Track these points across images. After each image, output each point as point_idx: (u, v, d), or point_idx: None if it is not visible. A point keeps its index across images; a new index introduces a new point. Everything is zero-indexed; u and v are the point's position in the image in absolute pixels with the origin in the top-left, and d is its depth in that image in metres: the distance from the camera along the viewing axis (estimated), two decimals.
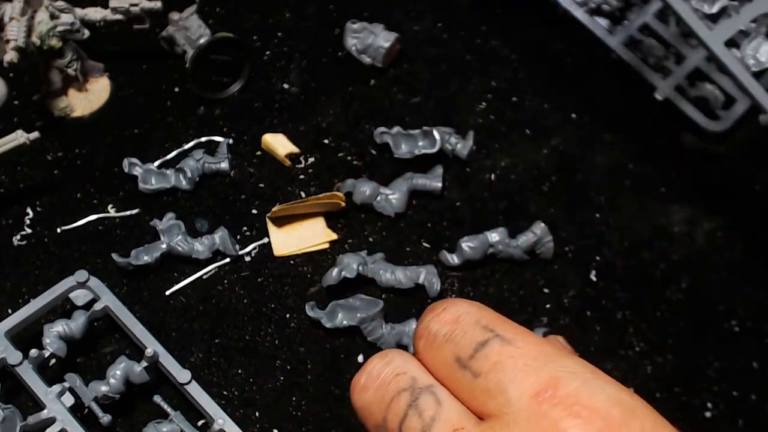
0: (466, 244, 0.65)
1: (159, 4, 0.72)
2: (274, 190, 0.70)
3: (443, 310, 0.33)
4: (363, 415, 0.33)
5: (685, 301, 0.66)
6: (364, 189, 0.68)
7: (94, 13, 0.71)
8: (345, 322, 0.61)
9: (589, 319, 0.64)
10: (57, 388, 0.55)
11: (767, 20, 0.61)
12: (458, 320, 0.32)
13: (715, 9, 0.59)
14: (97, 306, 0.59)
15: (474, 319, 0.32)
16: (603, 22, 0.79)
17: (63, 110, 0.72)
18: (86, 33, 0.70)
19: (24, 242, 0.65)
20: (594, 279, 0.67)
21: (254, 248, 0.66)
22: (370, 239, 0.68)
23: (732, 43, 0.61)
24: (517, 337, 0.31)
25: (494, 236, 0.65)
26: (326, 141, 0.73)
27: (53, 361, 0.58)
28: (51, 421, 0.54)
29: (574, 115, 0.76)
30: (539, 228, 0.65)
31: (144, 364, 0.57)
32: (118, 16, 0.72)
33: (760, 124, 0.64)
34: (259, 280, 0.65)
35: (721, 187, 0.73)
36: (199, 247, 0.65)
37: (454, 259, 0.66)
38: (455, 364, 0.31)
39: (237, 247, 0.66)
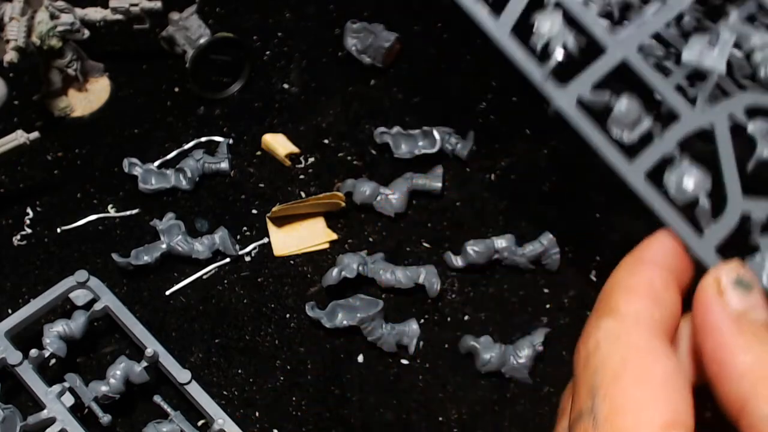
0: (472, 248, 0.65)
1: (159, 4, 0.72)
2: (274, 190, 0.70)
3: None
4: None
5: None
6: (364, 189, 0.68)
7: (94, 13, 0.71)
8: (345, 322, 0.61)
9: None
10: (57, 388, 0.55)
11: (695, 143, 0.57)
12: None
13: (635, 136, 0.53)
14: (97, 306, 0.59)
15: None
16: (603, 22, 0.79)
17: (63, 110, 0.72)
18: (86, 33, 0.70)
19: (24, 242, 0.65)
20: (594, 279, 0.67)
21: (254, 248, 0.66)
22: (370, 239, 0.68)
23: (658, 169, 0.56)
24: None
25: (501, 242, 0.65)
26: (326, 141, 0.73)
27: (53, 361, 0.58)
28: (51, 421, 0.54)
29: None
30: (547, 239, 0.65)
31: (144, 364, 0.57)
32: (118, 16, 0.72)
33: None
34: (259, 280, 0.65)
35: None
36: (199, 247, 0.65)
37: (457, 261, 0.65)
38: None
39: (237, 247, 0.66)
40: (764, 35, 0.57)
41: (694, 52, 0.55)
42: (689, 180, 0.51)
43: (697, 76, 0.67)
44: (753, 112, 0.55)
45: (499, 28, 0.52)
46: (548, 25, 0.52)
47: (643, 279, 0.45)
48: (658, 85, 0.53)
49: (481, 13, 0.52)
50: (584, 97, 0.51)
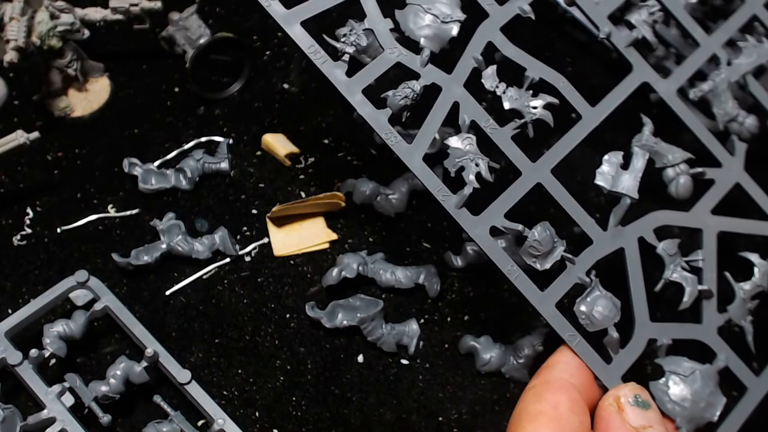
0: (472, 248, 0.65)
1: (159, 4, 0.72)
2: (274, 190, 0.70)
3: None
4: None
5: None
6: (364, 189, 0.68)
7: (94, 13, 0.71)
8: (345, 322, 0.61)
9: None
10: (57, 388, 0.55)
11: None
12: None
13: (548, 264, 0.53)
14: (97, 306, 0.59)
15: None
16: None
17: (63, 110, 0.72)
18: (86, 33, 0.70)
19: (24, 242, 0.65)
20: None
21: (254, 248, 0.66)
22: (370, 239, 0.68)
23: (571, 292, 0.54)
24: None
25: (501, 242, 0.65)
26: (326, 141, 0.73)
27: (53, 361, 0.58)
28: (51, 421, 0.54)
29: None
30: None
31: (144, 364, 0.57)
32: (118, 16, 0.72)
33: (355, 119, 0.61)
34: (259, 280, 0.65)
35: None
36: (199, 247, 0.65)
37: (458, 261, 0.66)
38: None
39: (237, 247, 0.66)
40: (675, 151, 0.58)
41: (607, 177, 0.55)
42: (599, 313, 0.52)
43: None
44: (662, 235, 0.56)
45: (411, 155, 0.51)
46: (462, 149, 0.52)
47: (548, 405, 0.46)
48: (573, 211, 0.54)
49: (392, 137, 0.52)
50: (498, 226, 0.52)
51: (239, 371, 0.61)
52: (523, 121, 0.55)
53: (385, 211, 0.68)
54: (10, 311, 0.59)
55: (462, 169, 0.52)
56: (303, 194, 0.70)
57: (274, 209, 0.66)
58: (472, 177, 0.51)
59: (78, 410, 0.56)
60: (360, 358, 0.62)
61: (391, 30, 0.54)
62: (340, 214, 0.68)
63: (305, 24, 0.52)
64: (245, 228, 0.68)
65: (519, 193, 0.53)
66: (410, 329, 0.62)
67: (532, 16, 0.57)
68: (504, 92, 0.55)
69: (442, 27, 0.54)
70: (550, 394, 0.46)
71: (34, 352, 0.56)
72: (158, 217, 0.66)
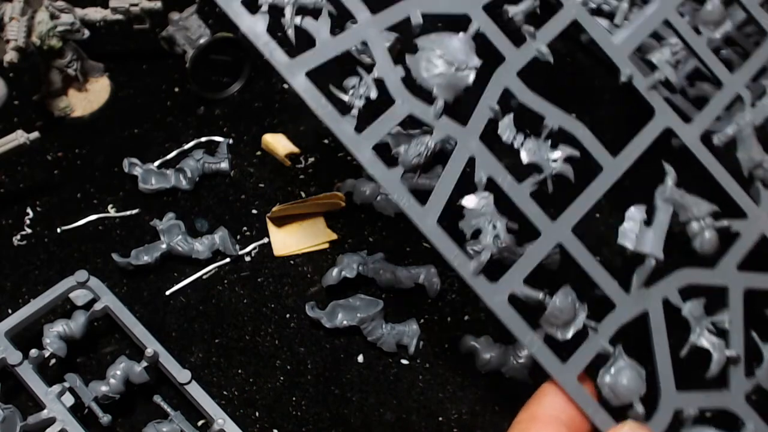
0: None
1: (159, 4, 0.72)
2: (274, 190, 0.70)
3: None
4: None
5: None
6: (364, 189, 0.68)
7: (94, 13, 0.71)
8: (345, 322, 0.61)
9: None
10: (57, 388, 0.55)
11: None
12: None
13: (570, 334, 0.50)
14: (97, 306, 0.59)
15: None
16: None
17: (63, 110, 0.72)
18: (86, 33, 0.70)
19: (24, 242, 0.65)
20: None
21: (254, 248, 0.66)
22: (370, 239, 0.68)
23: None
24: None
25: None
26: (326, 141, 0.73)
27: (53, 361, 0.58)
28: (51, 421, 0.54)
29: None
30: None
31: (144, 364, 0.57)
32: (118, 16, 0.72)
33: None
34: (259, 280, 0.65)
35: (721, 186, 0.73)
36: (199, 247, 0.65)
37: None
38: None
39: (237, 247, 0.66)
40: (701, 204, 0.56)
41: (630, 236, 0.53)
42: (624, 386, 0.49)
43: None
44: (687, 292, 0.54)
45: (424, 218, 0.48)
46: (478, 210, 0.49)
47: None
48: (595, 274, 0.52)
49: (405, 200, 0.49)
50: (517, 294, 0.49)
51: (239, 371, 0.61)
52: (542, 176, 0.52)
53: (385, 211, 0.68)
54: (10, 311, 0.59)
55: (478, 231, 0.49)
56: (303, 194, 0.70)
57: (274, 209, 0.66)
58: (489, 240, 0.49)
59: (78, 410, 0.56)
60: (360, 358, 0.62)
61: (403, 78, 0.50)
62: (340, 214, 0.68)
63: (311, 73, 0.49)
64: (245, 228, 0.68)
65: (539, 256, 0.50)
66: (410, 329, 0.62)
67: (551, 59, 0.54)
68: (522, 144, 0.52)
69: (456, 75, 0.51)
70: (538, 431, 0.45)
71: (34, 352, 0.56)
72: (158, 217, 0.66)
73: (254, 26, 0.47)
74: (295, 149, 0.72)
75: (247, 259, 0.66)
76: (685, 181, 0.58)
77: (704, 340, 0.53)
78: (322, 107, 0.49)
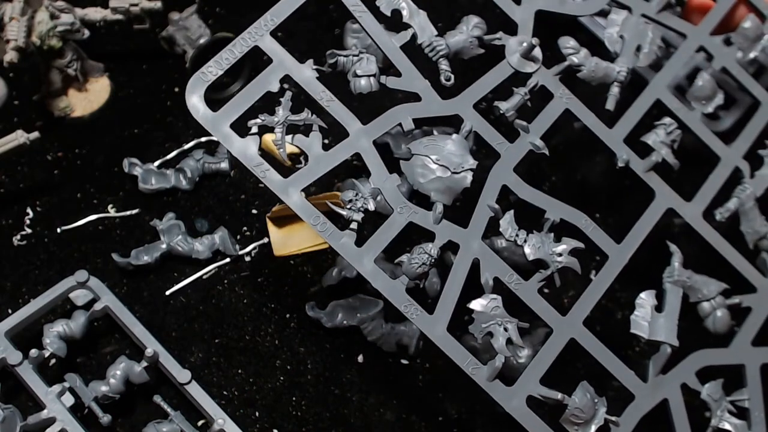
0: (415, 309, 0.65)
1: (159, 4, 0.72)
2: None
3: None
4: None
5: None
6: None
7: (94, 13, 0.71)
8: (345, 322, 0.61)
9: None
10: (57, 388, 0.55)
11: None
12: None
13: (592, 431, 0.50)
14: (97, 306, 0.59)
15: None
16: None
17: (63, 110, 0.72)
18: (86, 33, 0.70)
19: (24, 242, 0.65)
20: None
21: (254, 248, 0.66)
22: None
23: None
24: None
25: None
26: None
27: (53, 361, 0.58)
28: (51, 421, 0.54)
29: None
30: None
31: (144, 364, 0.57)
32: (118, 16, 0.72)
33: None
34: (259, 280, 0.65)
35: (721, 186, 0.73)
36: (199, 247, 0.65)
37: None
38: None
39: (237, 247, 0.66)
40: (710, 283, 0.56)
41: (642, 325, 0.53)
42: None
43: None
44: (704, 374, 0.53)
45: (433, 326, 0.48)
46: (488, 313, 0.49)
47: None
48: (611, 365, 0.51)
49: (412, 310, 0.48)
50: (535, 395, 0.48)
51: (239, 371, 0.61)
52: (549, 272, 0.51)
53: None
54: (10, 311, 0.59)
55: (490, 335, 0.49)
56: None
57: (274, 209, 0.66)
58: (501, 343, 0.48)
59: (78, 410, 0.56)
60: (360, 358, 0.62)
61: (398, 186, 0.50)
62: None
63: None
64: (245, 228, 0.68)
65: (553, 354, 0.50)
66: (410, 329, 0.62)
67: (546, 152, 0.54)
68: (525, 241, 0.52)
69: (453, 178, 0.50)
70: None
71: (34, 352, 0.56)
72: (158, 217, 0.66)
73: (245, 149, 0.48)
74: (295, 149, 0.72)
75: (247, 259, 0.66)
76: (690, 255, 0.57)
77: (726, 423, 0.53)
78: (320, 225, 0.48)
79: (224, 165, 0.70)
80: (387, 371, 0.62)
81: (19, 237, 0.66)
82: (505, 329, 0.49)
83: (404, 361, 0.62)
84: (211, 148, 0.72)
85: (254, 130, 0.48)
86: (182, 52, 0.74)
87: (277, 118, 0.49)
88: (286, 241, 0.67)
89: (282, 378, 0.61)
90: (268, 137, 0.72)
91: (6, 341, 0.56)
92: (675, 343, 0.52)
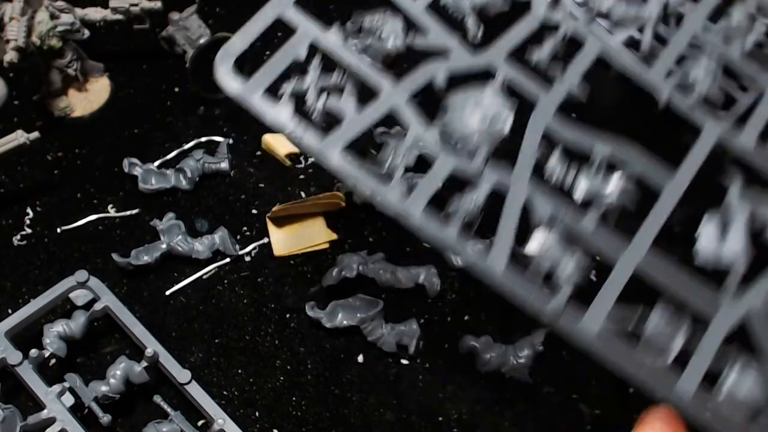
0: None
1: (159, 4, 0.72)
2: (274, 190, 0.70)
3: None
4: None
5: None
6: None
7: (94, 13, 0.71)
8: (345, 322, 0.61)
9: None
10: (57, 388, 0.55)
11: None
12: None
13: (668, 360, 0.49)
14: (97, 306, 0.59)
15: None
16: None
17: (63, 110, 0.72)
18: (86, 33, 0.70)
19: (24, 242, 0.65)
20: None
21: (254, 248, 0.66)
22: (370, 239, 0.68)
23: None
24: None
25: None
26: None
27: (53, 361, 0.58)
28: (51, 421, 0.54)
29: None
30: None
31: (144, 364, 0.57)
32: (118, 16, 0.72)
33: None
34: (259, 280, 0.65)
35: (721, 186, 0.73)
36: (199, 247, 0.65)
37: (458, 261, 0.65)
38: None
39: (237, 247, 0.66)
40: None
41: (706, 252, 0.50)
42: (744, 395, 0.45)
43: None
44: None
45: (494, 262, 0.46)
46: (545, 252, 0.47)
47: None
48: (684, 291, 0.49)
49: (471, 253, 0.46)
50: (611, 318, 0.46)
51: (239, 371, 0.61)
52: (602, 211, 0.50)
53: (385, 211, 0.68)
54: (10, 311, 0.59)
55: (551, 272, 0.47)
56: (303, 194, 0.70)
57: (274, 209, 0.66)
58: (572, 268, 0.47)
59: (78, 410, 0.56)
60: (360, 358, 0.62)
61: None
62: (340, 214, 0.68)
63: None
64: (245, 228, 0.68)
65: (618, 287, 0.48)
66: (410, 329, 0.62)
67: (584, 100, 0.55)
68: (573, 182, 0.50)
69: (493, 126, 0.50)
70: None
71: (34, 352, 0.56)
72: (158, 217, 0.66)
73: (278, 116, 0.47)
74: (295, 149, 0.72)
75: (247, 259, 0.66)
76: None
77: None
78: (364, 181, 0.48)
79: (224, 165, 0.70)
80: (387, 371, 0.62)
81: (19, 237, 0.66)
82: (568, 259, 0.48)
83: (404, 361, 0.62)
84: (211, 148, 0.72)
85: (286, 97, 0.48)
86: (182, 52, 0.74)
87: (307, 82, 0.49)
88: (286, 241, 0.67)
89: (282, 378, 0.61)
90: (268, 137, 0.72)
91: (6, 341, 0.56)
92: (744, 260, 0.49)
